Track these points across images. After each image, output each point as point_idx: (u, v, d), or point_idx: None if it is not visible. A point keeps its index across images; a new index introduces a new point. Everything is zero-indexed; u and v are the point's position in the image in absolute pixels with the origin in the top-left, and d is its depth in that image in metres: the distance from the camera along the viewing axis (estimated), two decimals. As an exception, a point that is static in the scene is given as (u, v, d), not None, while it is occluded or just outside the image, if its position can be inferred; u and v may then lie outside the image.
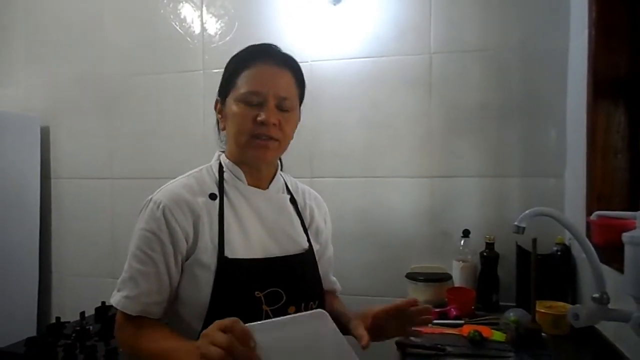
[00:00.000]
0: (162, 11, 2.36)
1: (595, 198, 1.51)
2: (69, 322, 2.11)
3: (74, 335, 1.91)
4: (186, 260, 1.00)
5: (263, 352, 0.73)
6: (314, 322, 0.85)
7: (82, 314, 2.12)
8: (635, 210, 1.11)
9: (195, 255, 0.99)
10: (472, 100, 1.97)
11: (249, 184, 1.10)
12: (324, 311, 0.86)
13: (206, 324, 0.94)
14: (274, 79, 1.04)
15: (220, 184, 1.07)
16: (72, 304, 2.43)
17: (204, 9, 2.30)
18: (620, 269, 1.07)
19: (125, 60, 2.43)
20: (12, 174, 2.36)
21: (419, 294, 1.85)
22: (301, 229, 1.14)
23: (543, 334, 1.46)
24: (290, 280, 1.04)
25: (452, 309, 1.67)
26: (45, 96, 2.57)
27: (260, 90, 1.02)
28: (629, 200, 1.50)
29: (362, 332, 0.99)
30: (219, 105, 1.11)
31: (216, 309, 0.96)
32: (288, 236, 1.10)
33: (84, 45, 2.50)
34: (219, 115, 1.11)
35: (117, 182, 2.44)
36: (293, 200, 1.17)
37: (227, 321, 0.74)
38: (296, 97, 1.10)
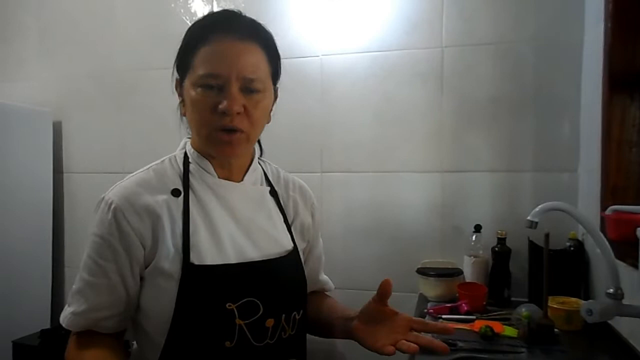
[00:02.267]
0: (172, 5, 2.36)
1: (610, 192, 1.49)
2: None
3: (87, 327, 1.93)
4: (145, 268, 0.87)
5: None
6: None
7: (95, 307, 2.14)
8: (651, 205, 1.10)
9: (155, 262, 0.86)
10: (484, 94, 1.95)
11: (219, 177, 0.95)
12: None
13: (170, 338, 0.85)
14: (238, 57, 0.86)
15: (185, 177, 0.93)
16: (84, 297, 2.45)
17: (215, 3, 2.30)
18: (634, 264, 1.06)
19: (136, 55, 2.44)
20: (24, 169, 2.38)
21: (430, 289, 1.84)
22: (283, 226, 1.01)
23: (555, 330, 1.45)
24: (269, 289, 0.90)
25: (464, 304, 1.66)
26: (58, 91, 2.59)
27: (220, 72, 0.85)
28: (646, 194, 1.48)
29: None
30: (176, 84, 0.96)
31: (180, 324, 0.84)
32: (268, 236, 0.96)
33: (96, 40, 2.51)
34: (180, 98, 0.95)
35: (129, 177, 2.45)
36: (273, 193, 1.03)
37: None
38: (268, 74, 0.92)
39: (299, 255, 1.00)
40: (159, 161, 0.97)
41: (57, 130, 2.58)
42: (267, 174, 1.06)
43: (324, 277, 1.18)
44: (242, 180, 0.98)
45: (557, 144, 1.88)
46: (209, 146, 0.91)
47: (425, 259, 1.98)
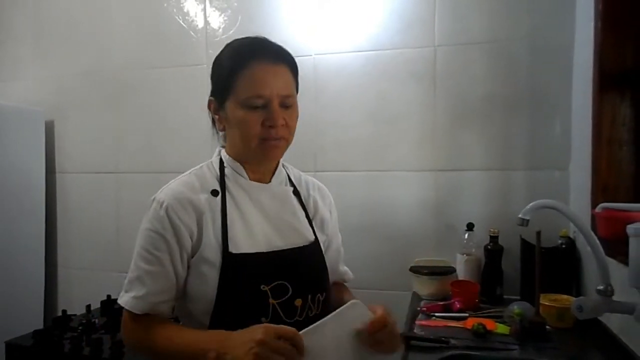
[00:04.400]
0: (165, 5, 2.36)
1: (601, 190, 1.51)
2: (75, 315, 2.13)
3: (80, 328, 1.93)
4: (192, 257, 1.01)
5: (310, 356, 0.81)
6: (350, 313, 0.90)
7: (88, 307, 2.14)
8: (641, 202, 1.11)
9: (200, 252, 1.00)
10: (477, 93, 1.96)
11: (250, 179, 1.10)
12: (358, 301, 0.90)
13: (213, 318, 0.98)
14: (275, 78, 1.02)
15: (222, 180, 1.08)
16: (78, 297, 2.45)
17: (207, 2, 2.30)
18: (624, 261, 1.07)
19: (129, 55, 2.43)
20: (17, 169, 2.37)
21: (423, 287, 1.85)
22: (306, 220, 1.14)
23: (547, 327, 1.46)
24: (295, 273, 1.04)
25: (456, 302, 1.67)
26: (50, 90, 2.58)
27: (263, 93, 1.00)
28: (635, 192, 1.49)
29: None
30: (213, 106, 1.09)
31: (223, 304, 0.98)
32: (292, 228, 1.10)
33: (89, 39, 2.51)
34: (216, 116, 1.09)
35: (123, 177, 2.45)
36: (296, 192, 1.17)
37: (285, 330, 0.81)
38: (294, 89, 1.08)
39: (320, 246, 1.14)
40: (198, 167, 1.12)
41: (50, 130, 2.57)
42: (290, 176, 1.19)
43: (344, 267, 1.30)
44: (270, 181, 1.12)
45: (549, 143, 1.89)
46: (258, 153, 1.04)
47: (418, 257, 1.99)
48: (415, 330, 1.52)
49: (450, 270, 1.87)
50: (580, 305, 1.07)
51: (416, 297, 1.86)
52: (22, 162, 2.40)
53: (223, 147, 1.15)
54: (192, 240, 1.01)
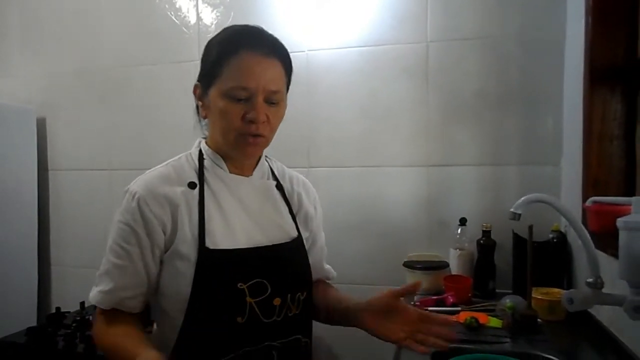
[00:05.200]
0: (157, 1, 2.35)
1: (591, 185, 1.52)
2: (69, 312, 2.13)
3: (74, 325, 1.93)
4: (165, 252, 0.97)
5: None
6: None
7: (82, 304, 2.13)
8: (631, 196, 1.12)
9: (174, 246, 0.96)
10: (469, 88, 1.97)
11: (231, 172, 1.05)
12: None
13: (187, 317, 0.95)
14: (264, 71, 0.96)
15: (200, 172, 1.03)
16: (72, 294, 2.43)
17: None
18: (615, 254, 1.08)
19: (121, 51, 2.42)
20: (8, 166, 2.36)
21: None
22: (289, 216, 1.10)
23: (539, 320, 1.48)
24: (275, 271, 1.00)
25: (449, 297, 1.69)
26: (42, 88, 2.56)
27: (249, 85, 0.94)
28: (625, 186, 1.51)
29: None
30: (198, 91, 1.04)
31: (197, 302, 0.94)
32: (275, 224, 1.06)
33: (80, 36, 2.49)
34: (200, 102, 1.04)
35: (115, 174, 2.43)
36: (279, 187, 1.13)
37: None
38: (284, 86, 1.03)
39: (303, 243, 1.10)
40: (176, 158, 1.07)
41: (42, 128, 2.56)
42: (273, 170, 1.15)
43: (327, 266, 1.25)
44: (251, 174, 1.07)
45: (541, 138, 1.90)
46: (235, 148, 1.00)
47: (411, 252, 2.00)
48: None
49: (444, 265, 1.89)
50: (570, 297, 1.08)
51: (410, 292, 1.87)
52: (14, 159, 2.39)
53: (204, 138, 1.10)
54: (165, 235, 0.96)
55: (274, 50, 0.99)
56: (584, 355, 1.30)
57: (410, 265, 1.90)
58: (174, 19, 2.33)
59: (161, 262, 0.98)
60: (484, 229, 1.83)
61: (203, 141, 1.09)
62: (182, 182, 1.01)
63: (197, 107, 1.07)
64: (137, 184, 0.99)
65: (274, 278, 0.99)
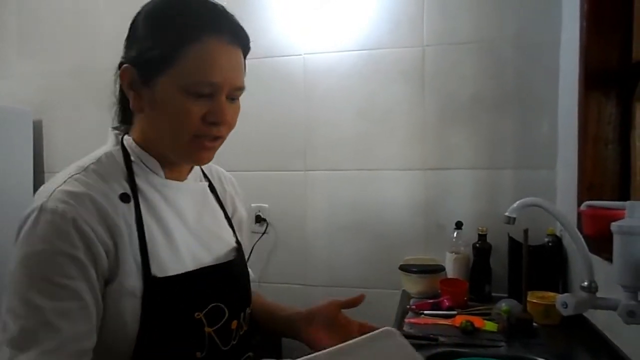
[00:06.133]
0: (154, 4, 2.35)
1: (586, 189, 1.52)
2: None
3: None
4: (106, 285, 0.76)
5: None
6: (384, 341, 0.71)
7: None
8: (626, 200, 1.12)
9: (118, 279, 0.75)
10: (465, 92, 1.97)
11: (165, 177, 0.87)
12: (393, 329, 0.72)
13: (135, 357, 0.77)
14: (230, 64, 0.80)
15: (131, 179, 0.82)
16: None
17: None
18: (609, 259, 1.08)
19: (118, 52, 2.39)
20: (4, 169, 2.35)
21: (413, 285, 1.86)
22: (225, 222, 0.98)
23: (534, 324, 1.48)
24: (228, 290, 0.88)
25: (445, 300, 1.68)
26: (38, 89, 2.56)
27: (214, 81, 0.77)
28: (620, 190, 1.51)
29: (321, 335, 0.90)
30: (129, 76, 0.82)
31: (147, 343, 0.76)
32: (216, 236, 0.92)
33: (77, 37, 2.48)
34: (131, 92, 0.83)
35: (111, 176, 2.42)
36: (211, 188, 0.98)
37: None
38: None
39: (242, 252, 0.98)
40: (92, 159, 0.83)
41: (38, 129, 2.55)
42: (202, 168, 1.01)
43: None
44: (186, 178, 0.92)
45: (537, 142, 1.91)
46: (185, 153, 0.82)
47: (407, 256, 2.00)
48: (404, 328, 1.52)
49: (440, 269, 1.88)
50: (564, 301, 1.08)
51: (406, 295, 1.87)
52: (9, 162, 2.38)
53: (121, 131, 0.89)
54: (108, 261, 0.75)
55: (237, 37, 0.82)
56: (577, 358, 1.30)
57: (406, 268, 1.90)
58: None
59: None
60: (480, 232, 1.83)
61: (126, 137, 0.87)
62: (113, 193, 0.79)
63: (122, 93, 0.88)
64: (58, 198, 0.73)
65: (229, 299, 0.87)
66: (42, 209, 0.73)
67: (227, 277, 0.90)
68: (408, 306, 1.73)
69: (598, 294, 1.09)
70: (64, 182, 0.77)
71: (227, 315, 0.86)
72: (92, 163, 0.82)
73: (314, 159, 2.13)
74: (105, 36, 2.43)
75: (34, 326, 0.68)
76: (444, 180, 2.00)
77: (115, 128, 0.91)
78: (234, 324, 0.88)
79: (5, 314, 0.70)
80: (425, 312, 1.65)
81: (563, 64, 1.83)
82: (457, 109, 1.98)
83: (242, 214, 1.06)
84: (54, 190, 0.75)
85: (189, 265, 0.83)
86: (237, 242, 0.97)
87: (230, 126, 0.84)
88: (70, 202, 0.73)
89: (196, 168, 0.97)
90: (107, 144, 0.87)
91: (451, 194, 2.00)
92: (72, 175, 0.78)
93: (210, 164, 0.95)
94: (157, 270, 0.78)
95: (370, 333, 0.73)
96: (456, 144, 1.99)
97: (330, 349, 0.68)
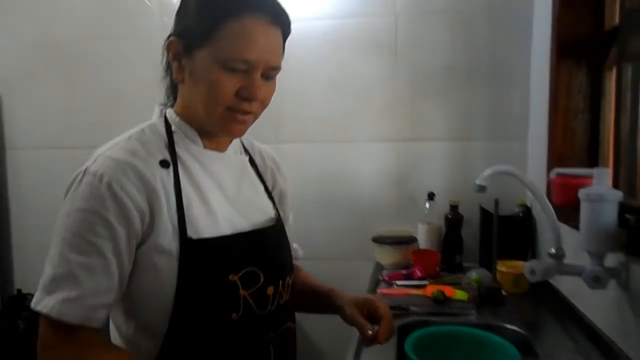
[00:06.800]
0: (118, -30, 2.24)
1: (556, 159, 1.53)
2: (30, 294, 2.06)
3: (35, 307, 1.87)
4: (140, 246, 0.81)
5: None
6: None
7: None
8: (594, 169, 1.13)
9: (152, 239, 0.80)
10: (438, 62, 1.95)
11: (205, 147, 0.91)
12: None
13: (173, 321, 0.80)
14: (268, 43, 0.82)
15: (171, 147, 0.87)
16: (33, 276, 2.36)
17: (162, -33, 2.19)
18: (577, 227, 1.09)
19: (81, 24, 2.30)
20: (-37, 144, 2.25)
21: (386, 257, 1.87)
22: (265, 195, 1.00)
23: (503, 292, 1.50)
24: (265, 257, 0.90)
25: (417, 270, 1.70)
26: (-4, 61, 2.43)
27: (251, 59, 0.80)
28: (588, 160, 1.53)
29: (363, 321, 0.94)
30: (174, 49, 0.86)
31: (185, 303, 0.80)
32: (254, 206, 0.95)
33: (38, 9, 2.35)
34: (176, 63, 0.86)
35: (77, 152, 2.31)
36: (252, 162, 1.02)
37: None
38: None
39: (282, 223, 1.00)
40: (137, 130, 0.89)
41: (-3, 104, 2.44)
42: (244, 143, 1.04)
43: (295, 245, 1.17)
44: (225, 150, 0.95)
45: (509, 113, 1.91)
46: (219, 124, 0.86)
47: (380, 228, 2.00)
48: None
49: (412, 240, 1.89)
50: (532, 268, 1.09)
51: (379, 267, 1.88)
52: (-33, 137, 2.27)
53: (166, 105, 0.95)
54: (142, 224, 0.80)
55: (277, 17, 0.84)
56: (545, 325, 1.33)
57: (379, 240, 1.90)
58: (135, -11, 2.22)
59: (134, 259, 0.82)
60: (452, 204, 1.84)
61: (169, 109, 0.93)
62: (153, 160, 0.84)
63: (168, 65, 0.91)
64: (100, 163, 0.80)
65: (265, 265, 0.89)
66: (86, 171, 0.80)
67: (263, 243, 0.92)
68: (381, 277, 1.74)
69: (565, 261, 1.10)
70: (109, 148, 0.83)
71: (262, 280, 0.88)
72: (135, 133, 0.88)
73: (284, 131, 2.10)
74: (66, 10, 2.31)
75: (61, 275, 0.76)
76: (416, 152, 2.00)
77: (162, 105, 0.96)
78: (270, 289, 0.90)
79: (47, 260, 0.79)
80: (398, 282, 1.66)
81: (536, 34, 1.82)
82: (430, 79, 1.97)
83: (284, 188, 1.08)
84: (99, 155, 0.82)
85: (225, 230, 0.87)
86: (277, 214, 1.00)
87: (264, 103, 0.88)
88: (110, 167, 0.79)
89: (237, 142, 1.00)
90: (152, 118, 0.93)
91: (423, 165, 1.99)
92: (117, 144, 0.84)
93: (252, 140, 1.06)
94: (192, 233, 0.82)
95: None
96: (428, 116, 1.98)
97: None
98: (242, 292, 0.85)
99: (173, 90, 0.95)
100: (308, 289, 1.07)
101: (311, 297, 1.06)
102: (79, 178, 0.80)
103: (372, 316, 0.97)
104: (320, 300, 1.04)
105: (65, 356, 0.77)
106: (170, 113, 0.92)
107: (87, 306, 0.75)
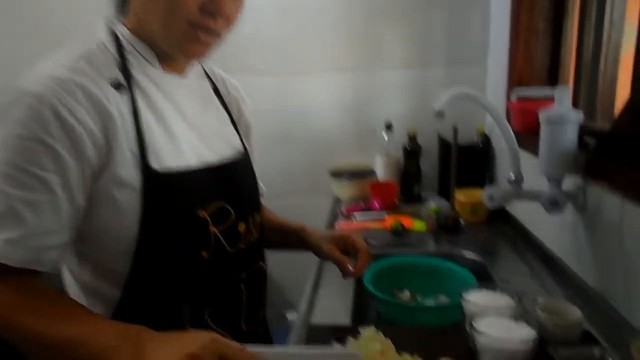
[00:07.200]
0: None
1: (516, 82, 1.49)
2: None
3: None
4: (96, 178, 0.70)
5: None
6: None
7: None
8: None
9: (109, 171, 0.70)
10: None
11: (164, 70, 0.81)
12: (358, 354, 0.65)
13: (137, 261, 0.72)
14: None
15: (124, 67, 0.75)
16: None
17: None
18: (536, 153, 1.06)
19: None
20: None
21: (344, 190, 1.83)
22: (231, 126, 0.91)
23: (461, 221, 1.50)
24: (234, 192, 0.83)
25: (375, 203, 1.67)
26: None
27: None
28: (549, 83, 1.49)
29: (341, 257, 0.94)
30: None
31: (149, 242, 0.72)
32: (220, 136, 0.87)
33: None
34: None
35: None
36: (216, 90, 0.92)
37: (230, 349, 0.58)
38: None
39: (249, 157, 0.92)
40: (81, 47, 0.75)
41: None
42: (205, 68, 0.93)
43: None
44: (185, 74, 0.85)
45: (468, 38, 1.84)
46: (178, 43, 0.75)
47: (338, 161, 1.93)
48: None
49: (370, 172, 1.85)
50: (490, 194, 1.07)
51: (337, 202, 1.84)
52: None
53: (113, 21, 0.81)
54: (97, 154, 0.69)
55: None
56: (501, 251, 1.33)
57: (336, 174, 1.85)
58: None
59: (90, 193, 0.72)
60: (410, 135, 1.79)
61: (119, 25, 0.79)
62: (105, 81, 0.72)
63: None
64: (41, 82, 0.67)
65: (235, 200, 0.82)
66: (22, 90, 0.67)
67: (233, 178, 0.85)
68: (339, 210, 1.70)
69: (523, 187, 1.08)
70: (49, 66, 0.70)
71: (233, 216, 0.81)
72: (81, 50, 0.74)
73: (233, 61, 1.93)
74: None
75: (1, 213, 0.65)
76: (372, 80, 1.90)
77: (109, 20, 0.81)
78: (242, 226, 0.83)
79: None
80: (357, 214, 1.63)
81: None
82: (385, 4, 1.84)
83: (249, 121, 1.00)
84: (38, 74, 0.68)
85: (191, 161, 0.78)
86: (244, 147, 0.91)
87: (229, 21, 0.77)
88: (53, 88, 0.66)
89: (198, 67, 0.90)
90: (97, 33, 0.78)
91: (380, 94, 1.91)
92: (58, 61, 0.71)
93: (213, 67, 0.95)
94: (155, 163, 0.73)
95: (338, 351, 0.74)
96: (384, 42, 1.87)
97: (299, 350, 0.71)
98: (212, 228, 0.77)
99: (123, 2, 0.81)
100: (276, 227, 1.04)
101: (281, 234, 1.03)
102: (15, 99, 0.67)
103: (349, 251, 0.97)
104: (290, 238, 1.02)
105: (3, 299, 0.66)
106: (121, 29, 0.78)
107: (32, 247, 0.66)
